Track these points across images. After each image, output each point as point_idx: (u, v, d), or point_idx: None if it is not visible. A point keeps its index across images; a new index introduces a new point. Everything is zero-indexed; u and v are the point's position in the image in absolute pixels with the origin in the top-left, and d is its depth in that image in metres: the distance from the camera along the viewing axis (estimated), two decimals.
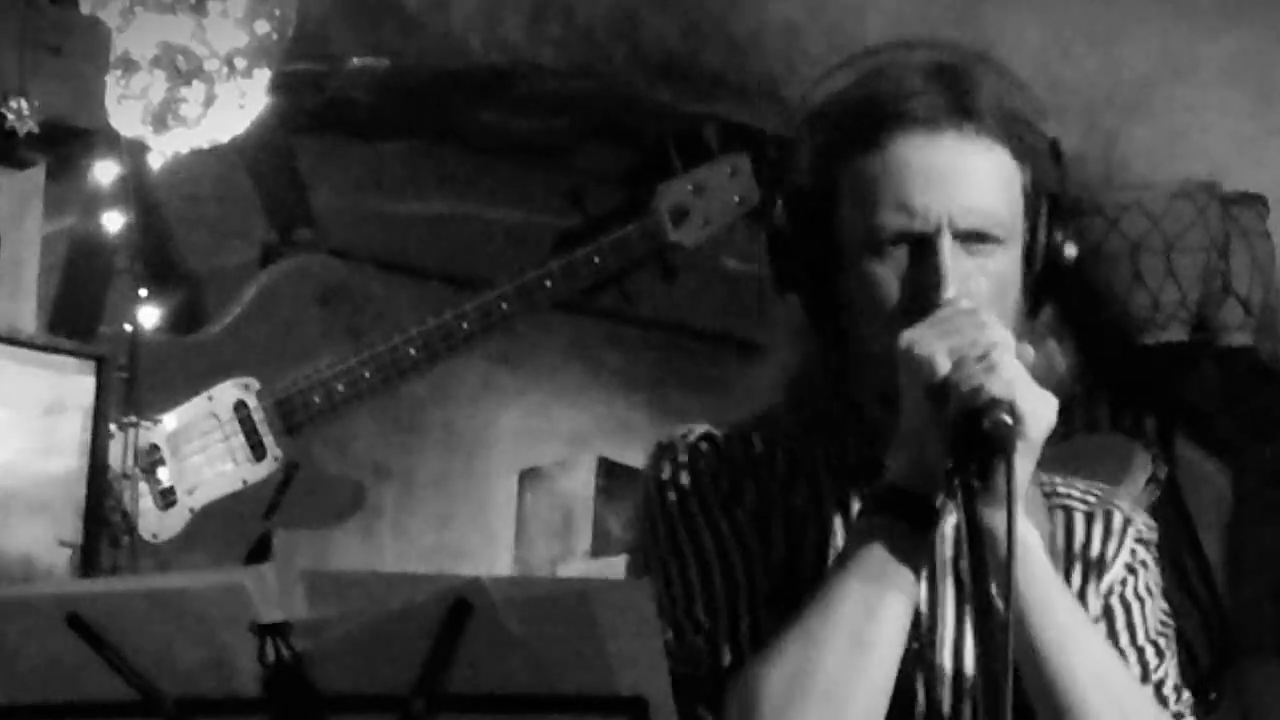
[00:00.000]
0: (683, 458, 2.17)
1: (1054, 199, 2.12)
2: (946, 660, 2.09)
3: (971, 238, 2.05)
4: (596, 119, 5.81)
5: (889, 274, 2.06)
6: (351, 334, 4.63)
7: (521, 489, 6.52)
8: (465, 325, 4.58)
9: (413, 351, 4.55)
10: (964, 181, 2.05)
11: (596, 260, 4.67)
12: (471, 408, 6.81)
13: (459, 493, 6.83)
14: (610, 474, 6.27)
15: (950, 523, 2.08)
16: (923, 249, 2.04)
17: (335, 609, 1.78)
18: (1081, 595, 2.13)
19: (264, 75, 4.50)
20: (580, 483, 6.29)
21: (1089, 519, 2.18)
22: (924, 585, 2.07)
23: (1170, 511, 4.96)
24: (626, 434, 6.86)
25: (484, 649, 1.78)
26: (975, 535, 1.95)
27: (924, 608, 2.08)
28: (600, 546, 6.20)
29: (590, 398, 6.94)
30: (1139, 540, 2.19)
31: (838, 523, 2.12)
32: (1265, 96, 5.18)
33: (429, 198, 6.50)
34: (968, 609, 2.08)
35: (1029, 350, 2.00)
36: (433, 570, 5.52)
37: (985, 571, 1.96)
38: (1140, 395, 5.12)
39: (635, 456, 6.53)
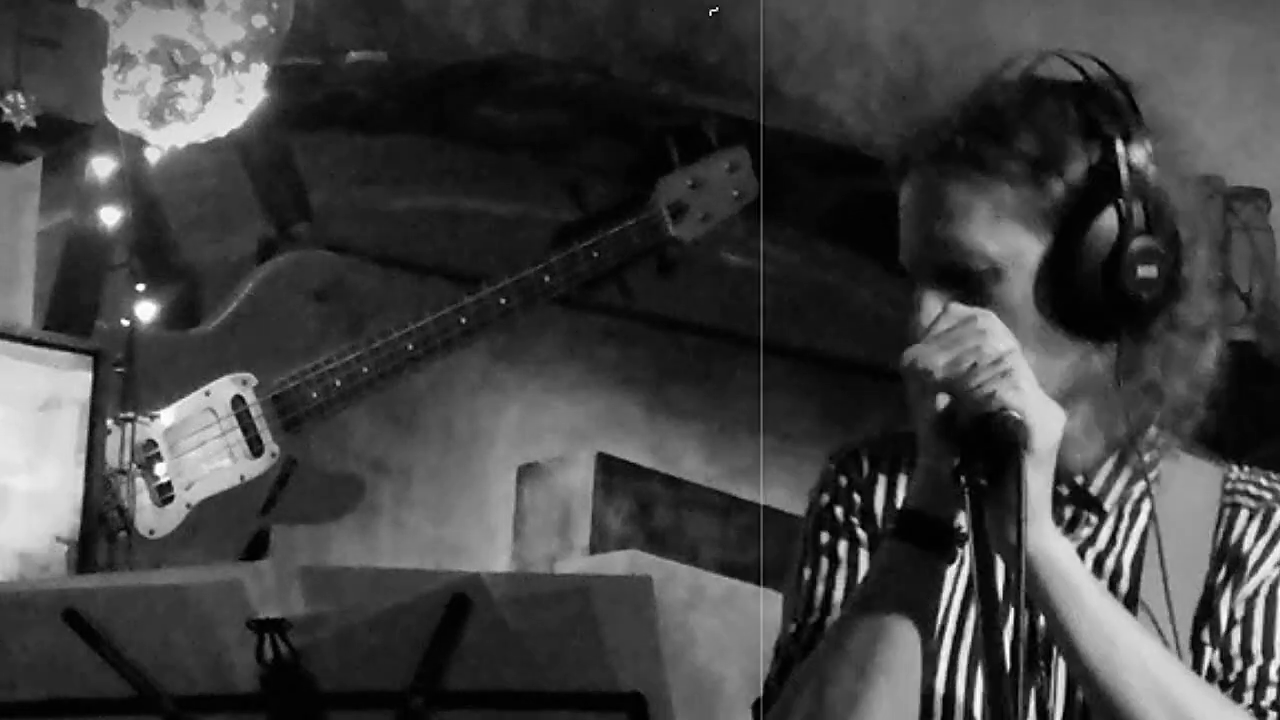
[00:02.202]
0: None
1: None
2: (1061, 675, 2.09)
3: (954, 272, 2.04)
4: (595, 113, 5.80)
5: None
6: (349, 329, 4.62)
7: (520, 484, 6.52)
8: (463, 320, 4.57)
9: (411, 347, 4.55)
10: (942, 220, 2.05)
11: (595, 255, 4.66)
12: (470, 403, 6.81)
13: (457, 488, 6.83)
14: (609, 469, 6.28)
15: (1081, 537, 2.10)
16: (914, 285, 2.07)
17: (333, 605, 1.78)
18: (1218, 593, 2.11)
19: (261, 70, 4.49)
20: (579, 478, 6.29)
21: (1251, 515, 2.15)
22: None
23: None
24: (625, 429, 6.87)
25: (482, 645, 1.78)
26: (980, 536, 1.94)
27: (1040, 624, 2.06)
28: (599, 542, 6.20)
29: (589, 393, 6.94)
30: None
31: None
32: (1267, 91, 5.19)
33: (427, 192, 6.50)
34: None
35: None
36: (431, 566, 5.51)
37: (991, 572, 1.95)
38: None
39: (634, 452, 6.55)
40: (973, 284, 2.04)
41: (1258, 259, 5.09)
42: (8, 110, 4.10)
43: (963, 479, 1.96)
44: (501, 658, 1.78)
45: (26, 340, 4.17)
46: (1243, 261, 5.07)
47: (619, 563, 6.03)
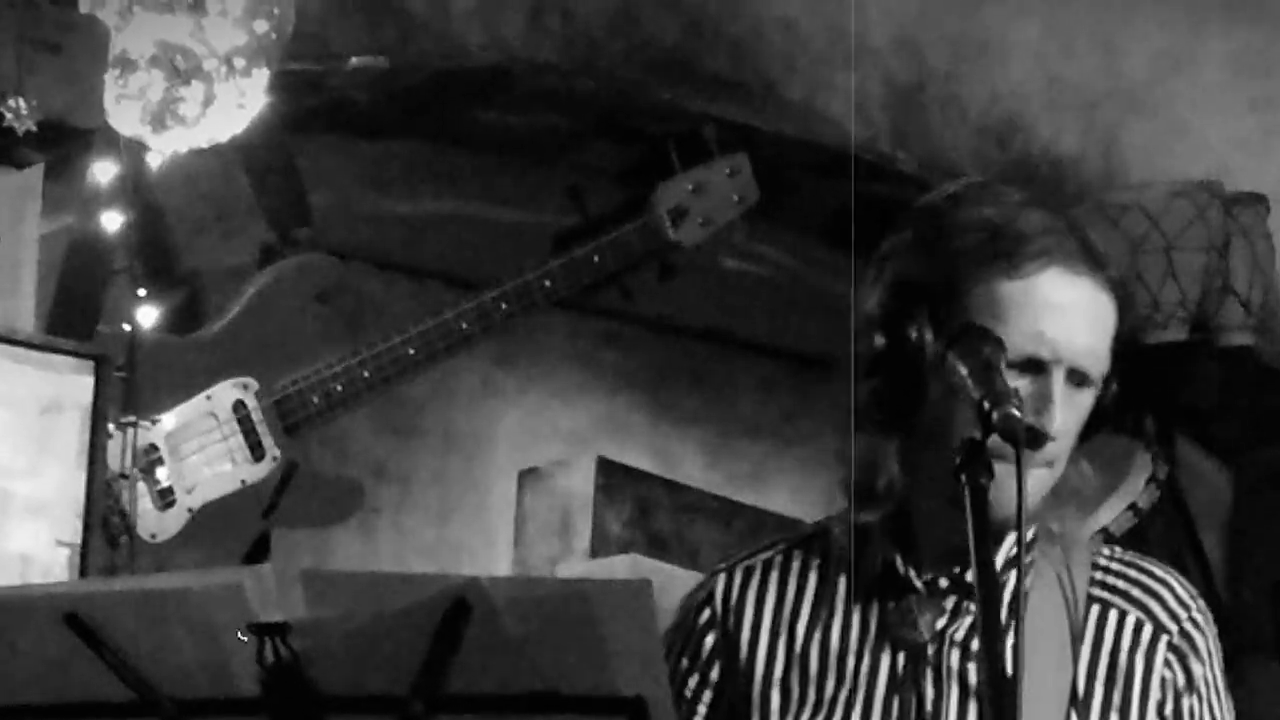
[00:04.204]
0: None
1: (1123, 348, 2.22)
2: None
3: (1076, 376, 2.16)
4: (595, 118, 5.80)
5: None
6: (350, 334, 4.62)
7: (520, 489, 6.51)
8: (464, 325, 4.57)
9: (411, 351, 4.55)
10: (1089, 324, 2.16)
11: (596, 260, 4.66)
12: (470, 408, 6.80)
13: (458, 492, 6.83)
14: (609, 474, 6.27)
15: (965, 625, 2.16)
16: (1037, 375, 2.14)
17: (334, 609, 1.78)
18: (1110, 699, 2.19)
19: (263, 75, 4.48)
20: (579, 483, 6.29)
21: (1121, 618, 2.24)
22: (930, 686, 2.16)
23: (1170, 511, 4.95)
24: (625, 434, 6.86)
25: (483, 649, 1.78)
26: (982, 536, 1.95)
27: (929, 706, 2.15)
28: (599, 546, 6.20)
29: (589, 397, 6.94)
30: (1173, 648, 2.23)
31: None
32: (1266, 95, 5.18)
33: (428, 197, 6.49)
34: (971, 705, 2.15)
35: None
36: (431, 570, 5.51)
37: (992, 575, 1.97)
38: (1140, 395, 5.11)
39: (634, 456, 6.54)
40: (1079, 389, 2.17)
41: (1257, 264, 5.08)
42: (9, 115, 4.09)
43: (963, 479, 1.98)
44: (502, 661, 1.78)
45: (28, 344, 4.17)
46: (1242, 266, 5.06)
47: (619, 567, 6.02)
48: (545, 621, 1.78)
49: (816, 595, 2.26)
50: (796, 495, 6.46)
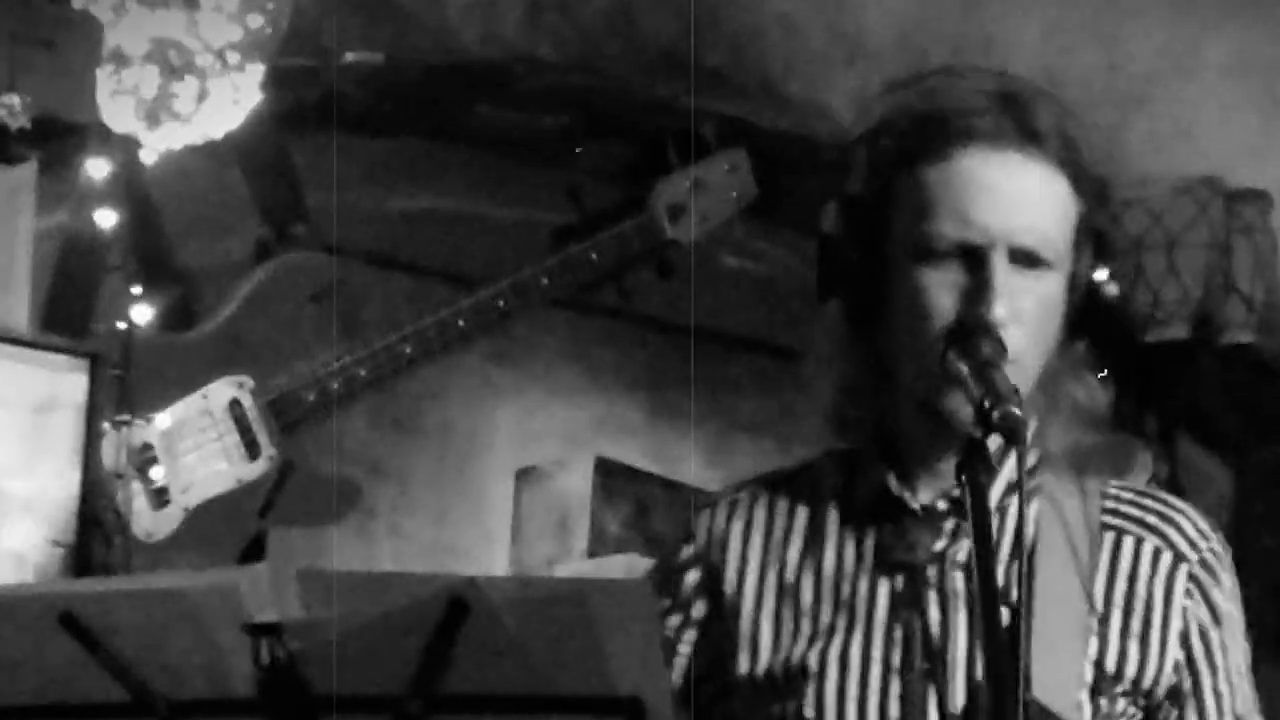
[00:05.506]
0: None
1: (1100, 236, 2.15)
2: (959, 681, 2.09)
3: (1024, 258, 2.07)
4: (594, 115, 5.80)
5: (939, 285, 2.07)
6: (346, 332, 4.61)
7: (518, 488, 6.51)
8: (461, 323, 4.56)
9: (408, 349, 4.54)
10: (1023, 201, 2.08)
11: (594, 257, 4.65)
12: (468, 406, 6.80)
13: (455, 492, 6.83)
14: (607, 473, 6.27)
15: (965, 547, 2.10)
16: (976, 262, 2.07)
17: (330, 609, 1.78)
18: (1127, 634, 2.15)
19: (257, 70, 4.48)
20: (577, 482, 6.28)
21: (1138, 545, 2.18)
22: (935, 609, 2.10)
23: None
24: (624, 433, 6.86)
25: (480, 649, 1.77)
26: (983, 533, 1.95)
27: (935, 629, 2.10)
28: (597, 546, 6.19)
29: (587, 396, 6.94)
30: (1192, 577, 2.19)
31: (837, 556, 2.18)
32: (1269, 93, 5.18)
33: (424, 194, 6.49)
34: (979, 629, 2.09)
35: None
36: (429, 570, 5.50)
37: (991, 571, 1.96)
38: (1142, 393, 5.12)
39: (632, 455, 6.54)
40: (1032, 271, 2.08)
41: (1259, 261, 5.09)
42: (3, 111, 4.10)
43: (963, 478, 1.98)
44: (499, 661, 1.77)
45: (22, 343, 4.17)
46: (1244, 263, 5.07)
47: (617, 566, 6.01)
48: (543, 621, 1.77)
49: (808, 525, 2.20)
50: None
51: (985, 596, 1.95)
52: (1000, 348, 2.03)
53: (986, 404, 1.97)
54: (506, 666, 1.77)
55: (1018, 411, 1.95)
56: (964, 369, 2.02)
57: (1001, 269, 2.05)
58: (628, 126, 5.71)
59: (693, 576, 2.22)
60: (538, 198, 5.72)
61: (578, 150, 5.94)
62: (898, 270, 2.09)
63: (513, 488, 6.54)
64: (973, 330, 2.03)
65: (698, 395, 6.91)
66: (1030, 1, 5.22)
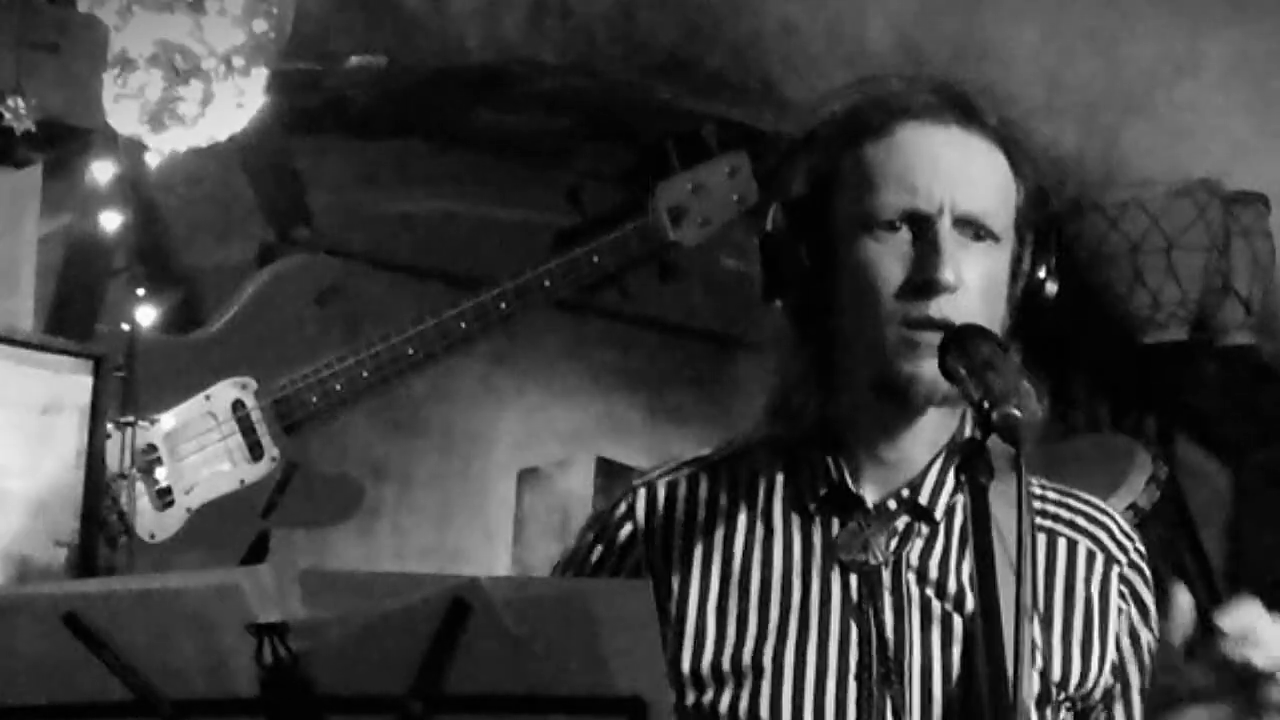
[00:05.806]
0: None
1: (1040, 233, 2.15)
2: (916, 689, 2.09)
3: (969, 225, 2.08)
4: (595, 118, 5.80)
5: (887, 255, 2.08)
6: (349, 333, 4.62)
7: (520, 489, 6.51)
8: (463, 324, 4.57)
9: (411, 351, 4.54)
10: (966, 170, 2.09)
11: (595, 259, 4.66)
12: (470, 407, 6.80)
13: (457, 492, 6.82)
14: (609, 473, 6.27)
15: (918, 548, 2.11)
16: (923, 229, 2.07)
17: (333, 609, 1.78)
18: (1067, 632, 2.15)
19: (261, 74, 4.48)
20: (579, 482, 6.28)
21: (1071, 547, 2.18)
22: (889, 613, 2.09)
23: (1170, 511, 4.95)
24: (625, 433, 6.86)
25: (482, 649, 1.77)
26: (983, 535, 1.94)
27: (890, 634, 2.09)
28: None
29: (589, 397, 6.94)
30: (1123, 579, 2.18)
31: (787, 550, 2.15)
32: (1266, 96, 5.18)
33: (426, 197, 6.49)
34: (935, 632, 2.09)
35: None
36: (431, 570, 5.50)
37: (991, 573, 1.95)
38: (1141, 395, 5.12)
39: (634, 455, 6.54)
40: (978, 244, 2.08)
41: (1257, 263, 5.09)
42: (8, 115, 4.09)
43: (963, 478, 1.96)
44: (501, 662, 1.77)
45: (27, 344, 4.17)
46: (1242, 266, 5.06)
47: None
48: (544, 622, 1.77)
49: (754, 516, 2.16)
50: None
51: (985, 603, 1.93)
52: (1000, 347, 2.02)
53: (986, 405, 1.96)
54: (508, 666, 1.77)
55: (1018, 413, 1.94)
56: (962, 370, 2.01)
57: (948, 235, 2.06)
58: (629, 129, 5.71)
59: (634, 559, 2.20)
60: (539, 200, 5.72)
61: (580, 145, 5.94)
62: (845, 249, 2.10)
63: (514, 488, 6.54)
64: (920, 287, 2.04)
65: (698, 396, 6.91)
66: (1029, 5, 5.22)
